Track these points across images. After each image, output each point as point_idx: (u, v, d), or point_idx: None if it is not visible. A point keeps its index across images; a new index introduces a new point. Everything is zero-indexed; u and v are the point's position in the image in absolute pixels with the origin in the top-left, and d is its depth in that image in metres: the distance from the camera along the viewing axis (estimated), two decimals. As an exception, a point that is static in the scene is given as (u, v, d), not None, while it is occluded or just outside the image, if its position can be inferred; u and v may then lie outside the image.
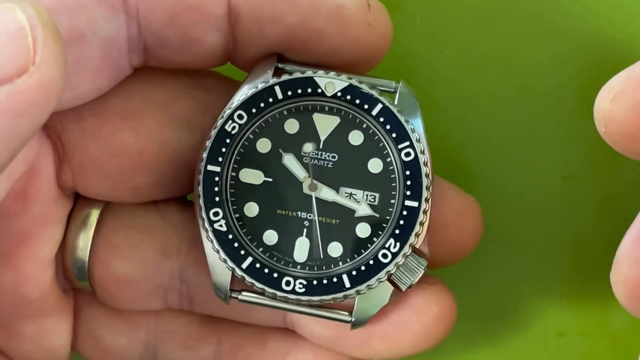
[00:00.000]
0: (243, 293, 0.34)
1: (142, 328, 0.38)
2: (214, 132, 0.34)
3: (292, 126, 0.34)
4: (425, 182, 0.33)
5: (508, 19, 0.39)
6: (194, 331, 0.38)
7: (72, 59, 0.32)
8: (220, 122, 0.34)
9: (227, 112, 0.34)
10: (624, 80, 0.30)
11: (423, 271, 0.34)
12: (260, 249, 0.34)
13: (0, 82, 0.28)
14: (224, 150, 0.34)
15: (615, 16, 0.38)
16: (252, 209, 0.34)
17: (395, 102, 0.34)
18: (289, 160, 0.34)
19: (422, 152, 0.33)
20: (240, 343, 0.37)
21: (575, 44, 0.38)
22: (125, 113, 0.35)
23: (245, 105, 0.34)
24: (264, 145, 0.34)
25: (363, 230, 0.34)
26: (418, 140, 0.33)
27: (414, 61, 0.37)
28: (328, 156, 0.34)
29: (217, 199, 0.34)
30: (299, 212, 0.34)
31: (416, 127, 0.34)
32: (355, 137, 0.34)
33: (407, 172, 0.33)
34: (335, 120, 0.34)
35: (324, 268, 0.34)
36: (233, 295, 0.35)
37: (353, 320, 0.34)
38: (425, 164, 0.33)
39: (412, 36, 0.35)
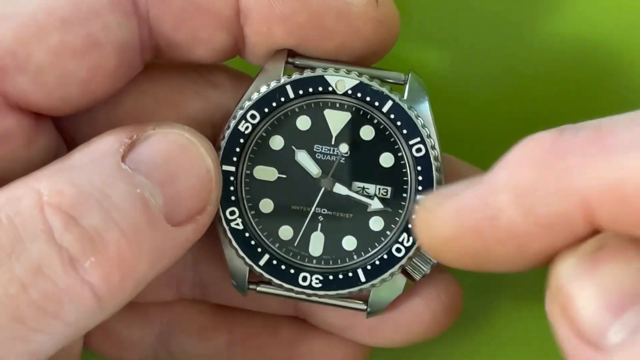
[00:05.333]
0: (261, 285, 0.35)
1: (155, 319, 0.38)
2: (227, 133, 0.34)
3: (304, 123, 0.35)
4: (436, 176, 0.34)
5: (507, 19, 0.39)
6: (207, 321, 0.38)
7: (89, 66, 0.32)
8: (233, 122, 0.34)
9: (240, 112, 0.34)
10: (455, 228, 0.28)
11: (435, 262, 0.35)
12: (277, 245, 0.35)
13: (188, 221, 0.32)
14: (238, 150, 0.34)
15: (614, 16, 0.39)
16: (267, 206, 0.35)
17: (405, 94, 0.35)
18: (302, 157, 0.35)
19: (433, 148, 0.34)
20: (252, 332, 0.38)
21: (575, 44, 0.39)
22: (136, 114, 0.35)
23: (257, 105, 0.34)
24: (277, 143, 0.35)
25: (376, 223, 0.35)
26: (429, 136, 0.34)
27: (411, 61, 0.37)
28: (340, 152, 0.35)
29: (232, 198, 0.34)
30: (314, 208, 0.35)
31: (426, 120, 0.34)
32: (367, 132, 0.35)
33: (419, 168, 0.34)
34: (346, 116, 0.35)
35: (339, 262, 0.35)
36: (251, 287, 0.35)
37: (369, 310, 0.35)
38: (436, 159, 0.34)
39: (410, 36, 0.35)
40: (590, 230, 0.27)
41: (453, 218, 0.28)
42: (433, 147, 0.34)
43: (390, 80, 0.35)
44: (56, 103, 0.33)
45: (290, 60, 0.35)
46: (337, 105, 0.35)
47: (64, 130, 0.35)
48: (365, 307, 0.35)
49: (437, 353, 0.40)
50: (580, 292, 0.26)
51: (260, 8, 0.33)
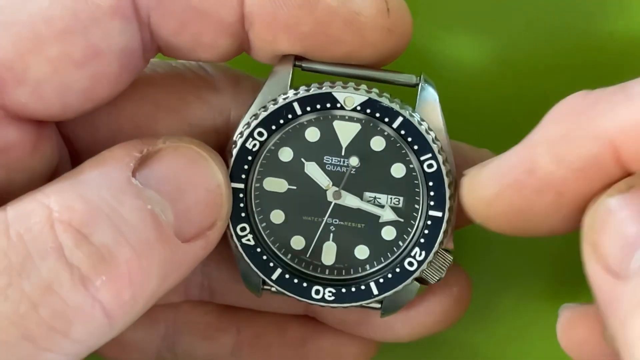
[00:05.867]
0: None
1: (161, 321, 0.38)
2: (235, 151, 0.34)
3: (313, 134, 0.34)
4: (448, 192, 0.34)
5: (509, 19, 0.39)
6: (213, 321, 0.38)
7: (90, 75, 0.32)
8: (240, 140, 0.33)
9: (247, 130, 0.33)
10: (497, 186, 0.30)
11: (449, 265, 0.35)
12: (289, 256, 0.35)
13: (198, 236, 0.31)
14: (246, 167, 0.34)
15: (615, 16, 0.38)
16: (278, 216, 0.34)
17: (417, 98, 0.34)
18: (312, 169, 0.34)
19: (445, 162, 0.33)
20: (260, 331, 0.38)
21: (576, 44, 0.39)
22: (137, 120, 0.35)
23: (264, 122, 0.33)
24: (286, 154, 0.34)
25: (389, 233, 0.34)
26: (440, 151, 0.33)
27: (414, 61, 0.37)
28: (350, 163, 0.34)
29: (242, 214, 0.34)
30: (325, 218, 0.34)
31: (437, 124, 0.34)
32: (377, 143, 0.34)
33: (430, 183, 0.34)
34: (356, 127, 0.34)
35: (351, 272, 0.35)
36: (265, 287, 0.35)
37: (382, 312, 0.35)
38: (448, 174, 0.33)
39: (412, 36, 0.35)
40: (623, 174, 0.28)
41: (494, 176, 0.30)
42: (445, 161, 0.33)
43: (401, 82, 0.34)
44: (56, 112, 0.32)
45: (297, 63, 0.34)
46: (347, 117, 0.34)
47: (64, 135, 0.35)
48: (379, 306, 0.35)
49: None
50: (607, 228, 0.28)
51: (264, 16, 0.32)
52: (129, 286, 0.29)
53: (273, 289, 0.35)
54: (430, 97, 0.34)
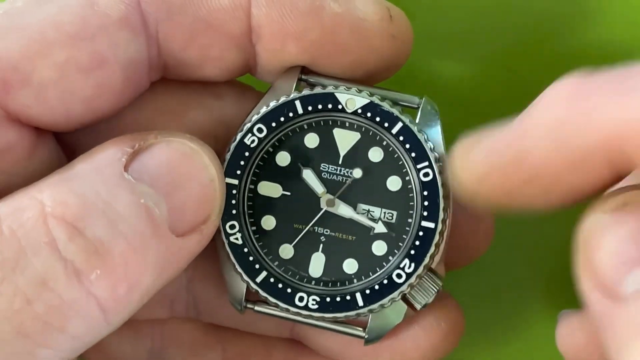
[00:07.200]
0: (258, 304, 0.34)
1: (147, 335, 0.37)
2: (233, 145, 0.34)
3: (312, 140, 0.34)
4: (442, 203, 0.33)
5: (508, 20, 0.39)
6: (199, 339, 0.37)
7: (94, 83, 0.32)
8: (239, 135, 0.34)
9: (247, 125, 0.34)
10: (486, 167, 0.30)
11: (438, 291, 0.34)
12: (276, 263, 0.34)
13: (193, 231, 0.31)
14: (242, 163, 0.34)
15: (615, 17, 0.39)
16: (269, 222, 0.34)
17: (417, 118, 0.34)
18: (308, 175, 0.34)
19: (441, 173, 0.33)
20: (245, 352, 0.37)
21: (576, 45, 0.39)
22: (138, 125, 0.35)
23: (265, 119, 0.34)
24: (283, 159, 0.34)
25: (379, 248, 0.34)
26: (437, 160, 0.33)
27: (414, 61, 0.37)
28: (347, 172, 0.34)
29: (234, 211, 0.34)
30: (316, 227, 0.34)
31: (437, 145, 0.34)
32: (375, 154, 0.34)
33: (425, 193, 0.33)
34: (355, 136, 0.34)
35: (338, 285, 0.34)
36: (249, 305, 0.34)
37: (367, 337, 0.34)
38: (444, 185, 0.33)
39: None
40: (613, 176, 0.27)
41: (485, 157, 0.29)
42: (441, 173, 0.33)
43: (403, 103, 0.34)
44: (58, 119, 0.32)
45: (303, 77, 0.34)
46: (347, 124, 0.34)
47: (64, 143, 0.35)
48: (363, 333, 0.34)
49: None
50: (601, 246, 0.27)
51: (272, 26, 0.33)
52: (124, 280, 0.29)
53: (255, 307, 0.34)
54: (431, 120, 0.34)
